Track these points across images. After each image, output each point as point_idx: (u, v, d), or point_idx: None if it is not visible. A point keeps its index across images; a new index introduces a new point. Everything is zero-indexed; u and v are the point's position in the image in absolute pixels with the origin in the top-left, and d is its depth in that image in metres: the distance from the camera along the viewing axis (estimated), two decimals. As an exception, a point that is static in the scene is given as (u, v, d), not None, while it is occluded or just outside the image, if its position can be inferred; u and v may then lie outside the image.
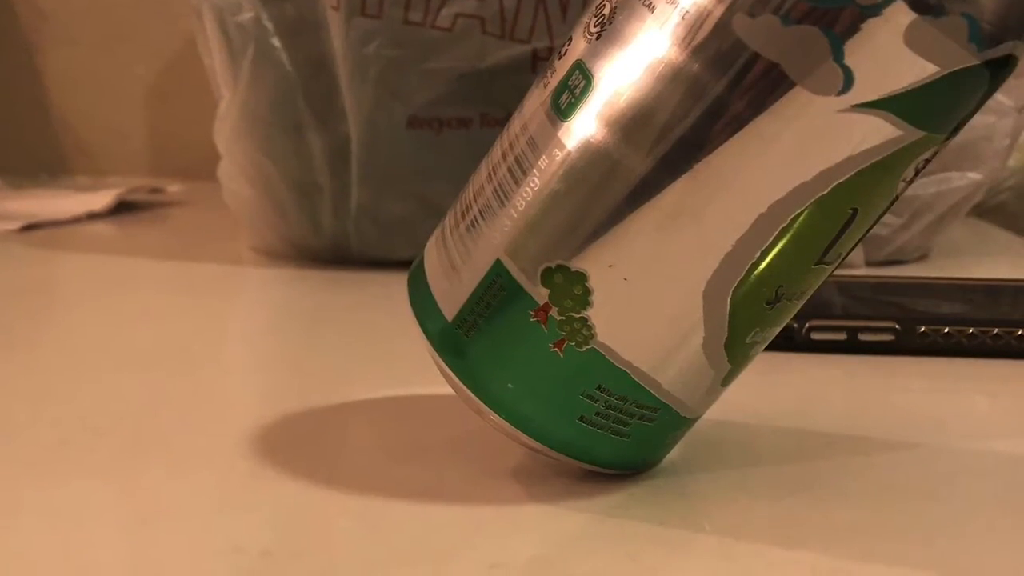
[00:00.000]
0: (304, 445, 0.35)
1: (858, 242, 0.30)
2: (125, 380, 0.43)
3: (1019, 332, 0.45)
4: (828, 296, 0.50)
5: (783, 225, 0.28)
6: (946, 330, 0.45)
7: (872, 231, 0.31)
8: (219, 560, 0.27)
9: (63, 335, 0.52)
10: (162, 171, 1.16)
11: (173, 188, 1.04)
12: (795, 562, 0.27)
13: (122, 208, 0.91)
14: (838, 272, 0.47)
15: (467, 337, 0.30)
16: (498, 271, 0.30)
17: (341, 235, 0.67)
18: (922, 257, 0.70)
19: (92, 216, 0.88)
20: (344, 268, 0.66)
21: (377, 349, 0.48)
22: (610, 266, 0.29)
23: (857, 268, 0.65)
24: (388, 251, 0.66)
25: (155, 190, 1.02)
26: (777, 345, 0.46)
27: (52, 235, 0.80)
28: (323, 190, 0.66)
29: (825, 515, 0.30)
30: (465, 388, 0.31)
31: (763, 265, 0.29)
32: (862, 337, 0.46)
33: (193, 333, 0.51)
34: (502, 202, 0.30)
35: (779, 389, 0.42)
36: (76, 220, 0.86)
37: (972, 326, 0.45)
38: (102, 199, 0.90)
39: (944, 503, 0.31)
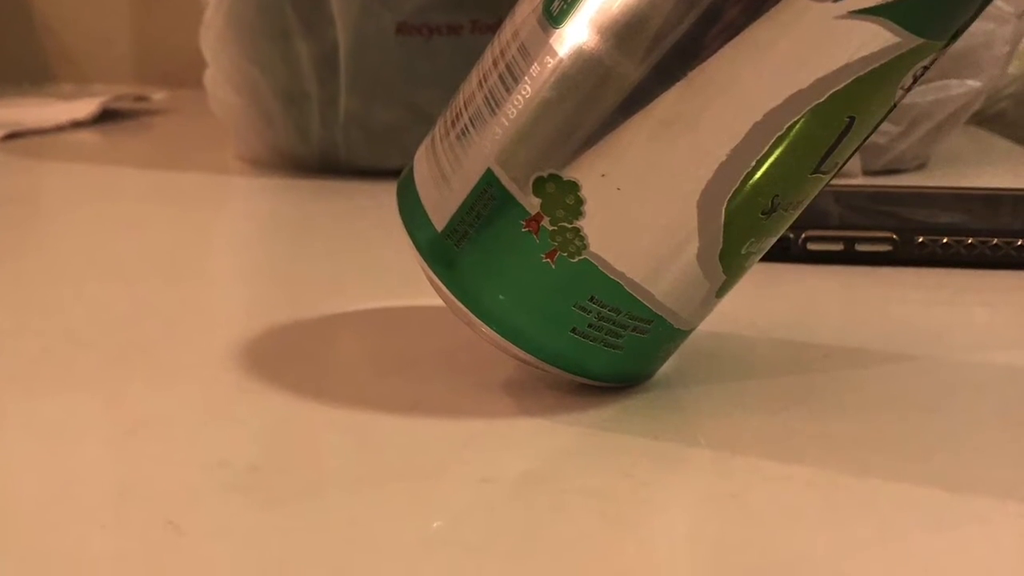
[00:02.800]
0: (291, 357, 0.35)
1: (855, 151, 0.29)
2: (109, 291, 0.42)
3: (1019, 242, 0.44)
4: (825, 206, 0.49)
5: (779, 134, 0.27)
6: (944, 240, 0.45)
7: (870, 140, 0.30)
8: (205, 474, 0.27)
9: (47, 245, 0.51)
10: (147, 78, 1.15)
11: (158, 96, 1.02)
12: (791, 477, 0.27)
13: (106, 116, 0.90)
14: (835, 181, 0.46)
15: (457, 248, 0.30)
16: (489, 180, 0.29)
17: (329, 144, 0.66)
18: (920, 166, 0.69)
19: (76, 125, 0.87)
20: (332, 177, 0.65)
21: (366, 259, 0.47)
22: (603, 175, 0.28)
23: (855, 177, 0.64)
24: (377, 160, 0.65)
25: (140, 98, 1.01)
26: (773, 256, 0.45)
27: (35, 144, 0.79)
28: (311, 98, 0.65)
29: (821, 429, 0.30)
30: (455, 299, 0.30)
31: (759, 174, 0.28)
32: (859, 248, 0.45)
33: (178, 243, 0.51)
34: (493, 110, 0.29)
35: (775, 301, 0.41)
36: (60, 129, 0.85)
37: (971, 236, 0.45)
38: (86, 107, 0.89)
39: (943, 416, 0.31)
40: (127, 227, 0.54)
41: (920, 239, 0.45)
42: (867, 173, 0.66)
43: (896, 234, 0.45)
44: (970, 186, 0.55)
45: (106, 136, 0.85)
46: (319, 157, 0.67)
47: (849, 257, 0.45)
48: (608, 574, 0.23)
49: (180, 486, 0.27)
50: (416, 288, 0.33)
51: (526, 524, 0.25)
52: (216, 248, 0.52)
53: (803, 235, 0.45)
